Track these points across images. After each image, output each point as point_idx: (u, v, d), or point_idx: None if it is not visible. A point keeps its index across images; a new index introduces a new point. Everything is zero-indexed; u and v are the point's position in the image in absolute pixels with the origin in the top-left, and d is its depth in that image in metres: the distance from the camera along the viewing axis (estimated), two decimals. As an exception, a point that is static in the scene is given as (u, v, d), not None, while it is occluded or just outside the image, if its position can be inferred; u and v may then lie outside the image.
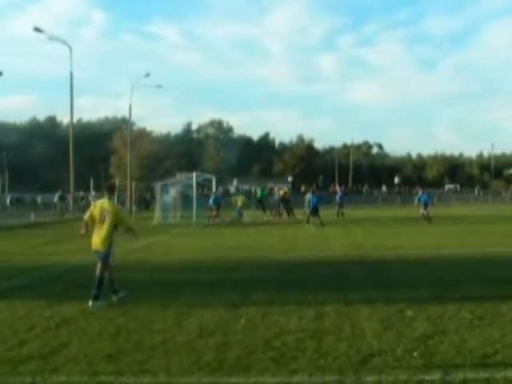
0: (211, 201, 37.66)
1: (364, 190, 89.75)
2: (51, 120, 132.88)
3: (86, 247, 21.24)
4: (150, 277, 13.82)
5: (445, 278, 13.23)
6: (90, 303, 10.48)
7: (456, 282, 12.60)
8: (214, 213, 37.11)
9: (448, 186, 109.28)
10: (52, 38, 46.87)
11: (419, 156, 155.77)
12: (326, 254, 18.17)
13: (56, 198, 51.72)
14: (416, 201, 39.09)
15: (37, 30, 44.79)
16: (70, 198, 50.54)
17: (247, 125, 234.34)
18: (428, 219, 34.58)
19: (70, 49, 47.45)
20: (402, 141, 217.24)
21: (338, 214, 39.85)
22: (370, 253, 18.15)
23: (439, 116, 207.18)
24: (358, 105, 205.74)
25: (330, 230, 29.19)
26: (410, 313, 9.48)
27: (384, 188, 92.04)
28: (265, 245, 21.55)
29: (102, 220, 10.96)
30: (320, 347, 7.60)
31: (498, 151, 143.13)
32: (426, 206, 36.41)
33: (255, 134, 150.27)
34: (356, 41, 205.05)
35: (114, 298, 10.98)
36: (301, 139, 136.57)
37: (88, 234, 11.32)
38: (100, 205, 11.21)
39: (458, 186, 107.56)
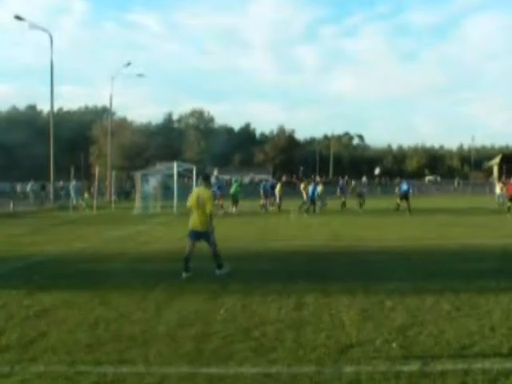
0: (216, 189, 36.88)
1: (345, 181, 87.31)
2: (31, 109, 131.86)
3: (64, 237, 21.60)
4: (130, 267, 13.77)
5: (424, 269, 13.23)
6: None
7: (435, 273, 12.58)
8: (221, 202, 36.83)
9: (428, 178, 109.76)
10: (32, 26, 46.28)
11: (400, 148, 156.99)
12: (306, 243, 18.18)
13: (29, 188, 51.52)
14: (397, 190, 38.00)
15: (17, 18, 44.13)
16: (50, 187, 50.20)
17: (228, 115, 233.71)
18: (408, 209, 33.79)
19: (51, 37, 46.99)
20: (383, 132, 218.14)
21: (343, 203, 39.02)
22: (349, 243, 18.23)
23: (420, 108, 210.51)
24: (339, 96, 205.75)
25: (311, 220, 29.12)
26: (389, 304, 9.43)
27: (364, 179, 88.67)
28: (245, 234, 21.49)
29: (199, 205, 12.40)
30: (299, 338, 7.55)
31: (478, 144, 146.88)
32: (405, 195, 34.89)
33: (236, 125, 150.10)
34: (338, 32, 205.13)
35: (218, 272, 12.42)
36: (282, 130, 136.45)
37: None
38: (197, 192, 12.77)
39: (438, 178, 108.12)
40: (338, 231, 22.78)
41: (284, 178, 48.38)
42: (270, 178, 79.60)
